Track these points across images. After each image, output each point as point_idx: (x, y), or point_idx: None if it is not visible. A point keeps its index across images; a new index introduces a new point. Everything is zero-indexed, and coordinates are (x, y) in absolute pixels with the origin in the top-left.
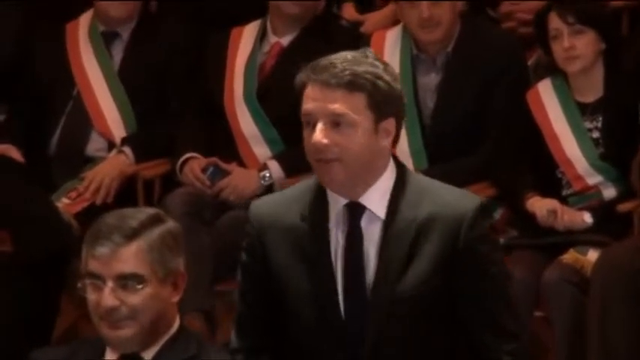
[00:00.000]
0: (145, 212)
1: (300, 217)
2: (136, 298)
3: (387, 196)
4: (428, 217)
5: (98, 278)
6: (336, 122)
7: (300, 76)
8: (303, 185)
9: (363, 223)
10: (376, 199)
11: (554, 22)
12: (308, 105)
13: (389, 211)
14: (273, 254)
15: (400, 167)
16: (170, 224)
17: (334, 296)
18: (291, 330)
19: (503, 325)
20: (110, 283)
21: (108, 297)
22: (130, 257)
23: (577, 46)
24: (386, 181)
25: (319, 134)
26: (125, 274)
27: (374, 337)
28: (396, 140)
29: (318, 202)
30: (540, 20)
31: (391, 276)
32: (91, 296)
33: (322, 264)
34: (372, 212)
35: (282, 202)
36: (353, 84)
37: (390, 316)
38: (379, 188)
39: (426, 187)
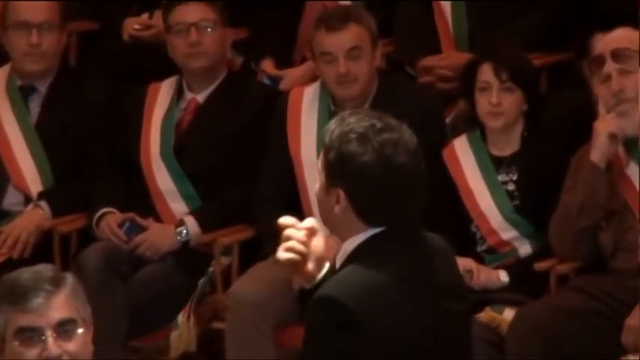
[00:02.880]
0: (44, 266)
1: None
2: (74, 345)
3: (342, 260)
4: None
5: (34, 331)
6: None
7: None
8: None
9: None
10: (340, 257)
11: (486, 74)
12: None
13: (337, 270)
14: None
15: (380, 238)
16: (70, 275)
17: None
18: None
19: None
20: (50, 333)
21: (53, 346)
22: (63, 303)
23: (504, 103)
24: (349, 245)
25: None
26: (64, 320)
27: None
28: (360, 214)
29: None
30: (469, 70)
31: None
32: (29, 353)
33: None
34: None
35: None
36: (324, 138)
37: None
38: (344, 249)
39: (352, 265)
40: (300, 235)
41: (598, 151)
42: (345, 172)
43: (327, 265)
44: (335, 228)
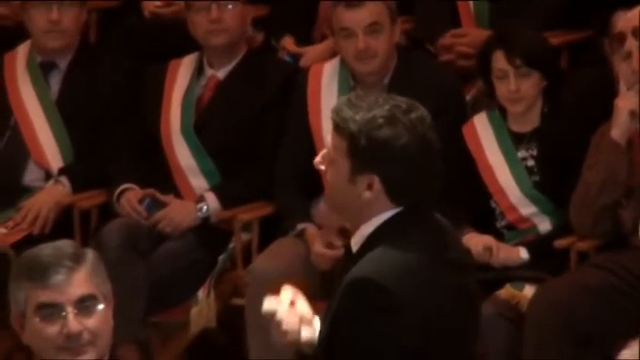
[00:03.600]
0: (65, 242)
1: None
2: (94, 320)
3: (360, 242)
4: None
5: (54, 307)
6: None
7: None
8: None
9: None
10: (355, 240)
11: (500, 62)
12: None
13: (356, 252)
14: None
15: (395, 221)
16: (90, 251)
17: None
18: None
19: None
20: (70, 309)
21: (74, 322)
22: (84, 280)
23: (522, 88)
24: (368, 227)
25: (318, 158)
26: (84, 296)
27: None
28: (393, 196)
29: None
30: (483, 57)
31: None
32: (50, 329)
33: None
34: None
35: None
36: (338, 127)
37: None
38: (361, 232)
39: (382, 248)
40: (292, 320)
41: (618, 128)
42: (382, 156)
43: (317, 321)
44: (354, 214)
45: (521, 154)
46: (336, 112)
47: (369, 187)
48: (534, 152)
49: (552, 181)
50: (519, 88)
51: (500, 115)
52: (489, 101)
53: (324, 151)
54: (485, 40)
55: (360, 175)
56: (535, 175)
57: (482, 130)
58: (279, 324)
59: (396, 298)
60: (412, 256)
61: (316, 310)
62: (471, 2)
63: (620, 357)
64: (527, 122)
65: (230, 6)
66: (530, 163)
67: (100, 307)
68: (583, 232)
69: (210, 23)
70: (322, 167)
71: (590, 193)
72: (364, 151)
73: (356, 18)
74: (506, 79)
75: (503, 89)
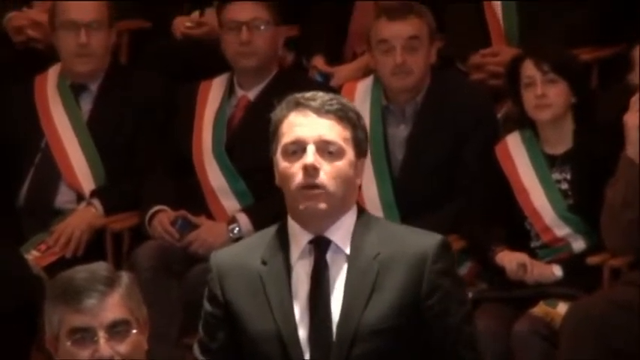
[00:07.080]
0: (100, 265)
1: (260, 261)
2: (126, 346)
3: (350, 232)
4: (391, 254)
5: (86, 332)
6: (325, 149)
7: (279, 111)
8: (262, 232)
9: (329, 257)
10: (340, 234)
11: (529, 69)
12: (296, 132)
13: (353, 246)
14: (236, 302)
15: (359, 207)
16: (126, 274)
17: (298, 338)
18: None
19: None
20: (102, 334)
21: (105, 347)
22: (117, 304)
23: (549, 95)
24: (350, 217)
25: (312, 157)
26: (117, 321)
27: None
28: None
29: (279, 244)
30: (513, 68)
31: (356, 310)
32: (81, 353)
33: (285, 305)
34: (338, 246)
35: (243, 250)
36: (342, 113)
37: (354, 352)
38: (343, 224)
39: (386, 226)
40: None
41: (632, 146)
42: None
43: None
44: (344, 205)
45: (554, 176)
46: (327, 103)
47: (360, 172)
48: (568, 176)
49: (587, 203)
50: (545, 93)
51: (533, 135)
52: (519, 125)
53: (311, 149)
54: (514, 56)
55: (358, 161)
56: (569, 199)
57: (515, 150)
58: None
59: None
60: None
61: None
62: (501, 21)
63: None
64: (560, 144)
65: (262, 27)
66: (564, 186)
67: (133, 332)
68: (614, 250)
69: (240, 45)
70: (318, 165)
71: (614, 211)
72: (364, 135)
73: (397, 30)
74: (534, 87)
75: (531, 97)
